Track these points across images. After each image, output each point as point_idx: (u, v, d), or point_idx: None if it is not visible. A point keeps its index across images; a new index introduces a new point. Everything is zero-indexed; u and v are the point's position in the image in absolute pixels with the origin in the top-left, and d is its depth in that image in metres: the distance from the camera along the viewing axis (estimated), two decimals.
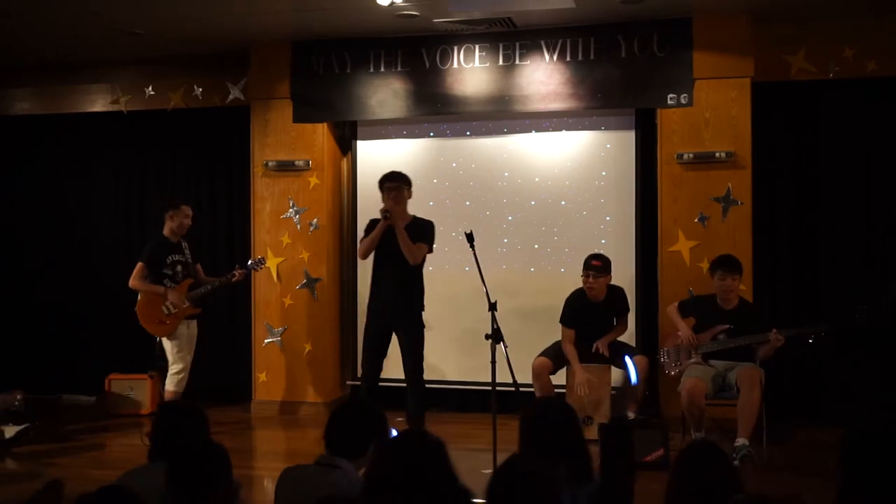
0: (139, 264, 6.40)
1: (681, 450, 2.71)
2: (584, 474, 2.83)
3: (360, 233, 7.18)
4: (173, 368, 6.42)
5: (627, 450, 2.81)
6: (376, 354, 5.95)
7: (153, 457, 3.16)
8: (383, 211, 5.73)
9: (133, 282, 6.39)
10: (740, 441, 5.36)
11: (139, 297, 6.44)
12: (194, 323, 6.57)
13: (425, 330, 5.97)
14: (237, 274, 6.51)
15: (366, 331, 6.05)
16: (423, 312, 5.94)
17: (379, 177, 5.96)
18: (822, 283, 6.57)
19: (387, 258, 5.83)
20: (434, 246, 5.96)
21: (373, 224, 5.93)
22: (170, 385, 6.40)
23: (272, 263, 7.04)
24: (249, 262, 6.67)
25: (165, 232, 6.48)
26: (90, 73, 7.72)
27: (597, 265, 6.05)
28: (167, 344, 6.44)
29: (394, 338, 5.97)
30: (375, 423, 3.14)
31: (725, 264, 5.78)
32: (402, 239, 5.73)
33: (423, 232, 5.87)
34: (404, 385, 5.97)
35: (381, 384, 6.01)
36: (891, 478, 2.42)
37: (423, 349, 5.92)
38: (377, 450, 2.52)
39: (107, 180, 8.06)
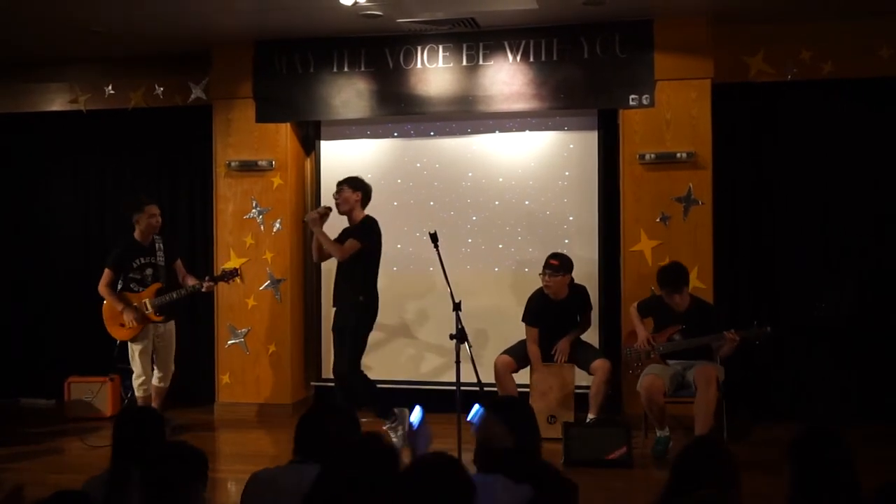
0: (105, 270, 6.35)
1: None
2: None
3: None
4: (134, 373, 6.43)
5: None
6: (335, 351, 6.10)
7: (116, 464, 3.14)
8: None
9: (100, 288, 6.34)
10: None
11: (106, 300, 6.40)
12: (169, 325, 6.51)
13: (374, 329, 6.06)
14: (205, 285, 6.42)
15: None
16: (358, 304, 5.91)
17: (342, 177, 6.03)
18: (782, 281, 6.66)
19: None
20: (372, 239, 5.96)
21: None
22: (136, 391, 6.46)
23: (235, 264, 6.94)
24: (218, 274, 6.59)
25: (135, 234, 6.42)
26: (48, 72, 7.58)
27: (554, 264, 6.09)
28: (130, 348, 6.42)
29: (380, 335, 6.14)
30: (344, 425, 3.14)
31: (671, 283, 5.73)
32: (322, 239, 5.92)
33: (357, 229, 5.97)
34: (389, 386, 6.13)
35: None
36: (837, 474, 2.47)
37: (355, 345, 5.93)
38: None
39: (66, 181, 7.94)
